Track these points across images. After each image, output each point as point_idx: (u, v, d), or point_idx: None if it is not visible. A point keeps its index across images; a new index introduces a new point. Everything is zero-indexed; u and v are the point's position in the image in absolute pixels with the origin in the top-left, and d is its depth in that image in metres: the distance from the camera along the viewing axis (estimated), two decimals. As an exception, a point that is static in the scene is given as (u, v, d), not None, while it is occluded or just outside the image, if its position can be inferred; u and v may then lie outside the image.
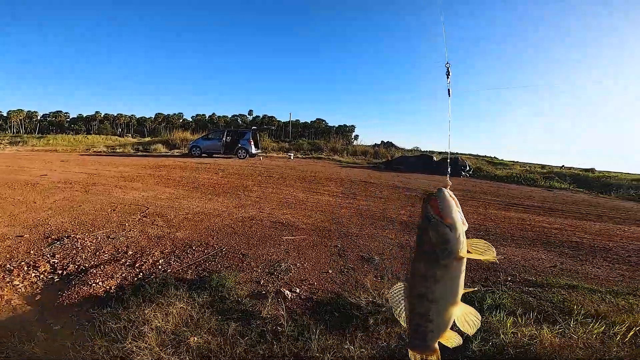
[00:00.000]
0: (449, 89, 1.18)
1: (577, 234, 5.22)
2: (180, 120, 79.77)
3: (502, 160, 29.74)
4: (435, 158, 16.92)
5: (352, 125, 79.40)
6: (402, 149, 29.21)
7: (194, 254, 3.61)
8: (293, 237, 4.36)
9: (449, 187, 0.97)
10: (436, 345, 0.99)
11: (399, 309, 0.99)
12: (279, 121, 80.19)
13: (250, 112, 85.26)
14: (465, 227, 0.89)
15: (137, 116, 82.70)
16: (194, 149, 18.25)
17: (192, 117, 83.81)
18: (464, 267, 0.89)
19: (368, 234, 4.62)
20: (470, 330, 0.95)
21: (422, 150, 30.75)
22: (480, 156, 31.47)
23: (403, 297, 0.98)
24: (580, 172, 18.53)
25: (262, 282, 3.01)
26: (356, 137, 76.49)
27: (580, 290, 2.93)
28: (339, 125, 78.28)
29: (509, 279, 3.27)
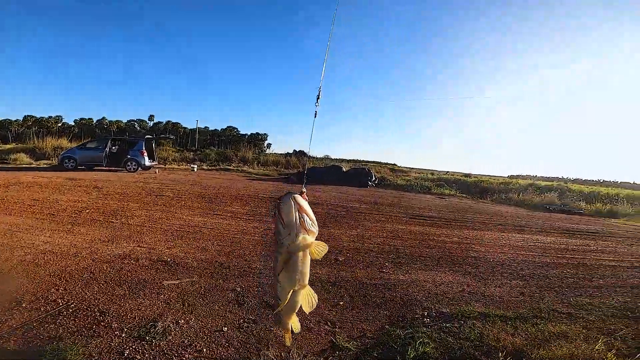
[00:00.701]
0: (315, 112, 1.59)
1: (474, 248, 5.44)
2: (59, 124, 66.76)
3: (400, 167, 32.42)
4: (344, 168, 17.23)
5: (265, 134, 78.16)
6: (314, 157, 29.47)
7: (23, 313, 2.47)
8: (178, 282, 3.39)
9: (303, 193, 1.30)
10: (289, 325, 1.50)
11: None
12: (184, 128, 74.08)
13: (151, 118, 76.68)
14: (315, 230, 1.22)
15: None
16: (66, 160, 14.71)
17: (74, 121, 70.97)
18: (302, 264, 1.25)
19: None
20: (306, 309, 1.39)
21: (333, 158, 31.57)
22: (382, 163, 33.80)
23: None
24: (461, 177, 21.01)
25: (127, 353, 2.13)
26: (269, 145, 75.40)
27: (492, 318, 2.88)
28: (252, 134, 76.23)
29: (425, 314, 3.03)
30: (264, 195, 10.16)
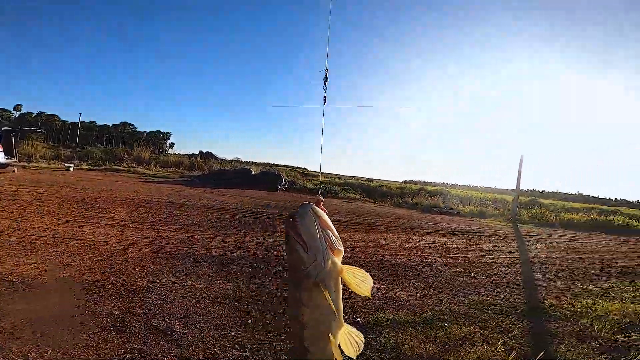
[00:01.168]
0: (324, 97, 1.15)
1: (379, 252, 5.62)
2: None
3: (310, 171, 33.11)
4: (253, 172, 16.57)
5: (168, 132, 70.91)
6: (223, 159, 27.87)
7: None
8: (26, 307, 2.53)
9: (320, 202, 0.93)
10: None
11: None
12: (64, 122, 62.07)
13: (17, 108, 62.02)
14: (341, 249, 0.82)
15: None
16: None
17: None
18: (334, 296, 0.81)
19: (166, 284, 3.35)
20: (352, 353, 0.90)
21: (243, 161, 30.39)
22: (294, 167, 34.03)
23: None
24: (365, 182, 22.44)
25: None
26: (171, 145, 68.78)
27: (404, 325, 2.91)
28: (152, 131, 68.27)
29: None
30: (160, 200, 8.93)
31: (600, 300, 3.80)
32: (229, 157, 30.34)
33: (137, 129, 68.77)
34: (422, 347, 2.48)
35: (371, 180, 25.38)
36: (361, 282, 0.88)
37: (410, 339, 2.60)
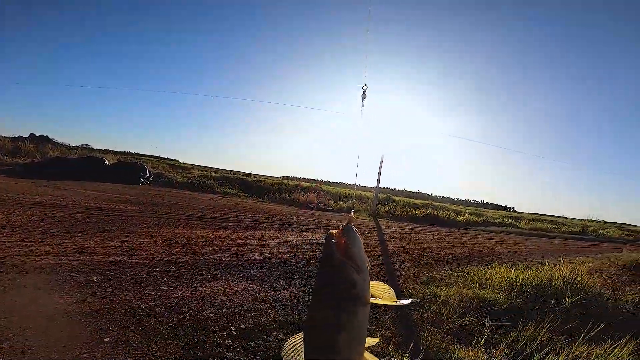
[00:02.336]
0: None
1: (257, 250, 5.46)
2: None
3: (182, 163, 30.20)
4: (107, 161, 13.86)
5: None
6: (65, 145, 22.50)
7: None
8: None
9: (353, 222, 0.87)
10: None
11: None
12: None
13: None
14: (368, 267, 0.81)
15: None
16: None
17: None
18: (366, 316, 0.79)
19: None
20: None
21: (95, 148, 25.10)
22: (162, 158, 30.31)
23: (300, 354, 0.79)
24: (243, 177, 21.90)
25: None
26: None
27: (291, 326, 2.90)
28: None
29: (225, 334, 2.65)
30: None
31: (442, 287, 4.60)
32: (75, 143, 24.66)
33: None
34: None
35: (249, 174, 24.88)
36: (386, 294, 0.88)
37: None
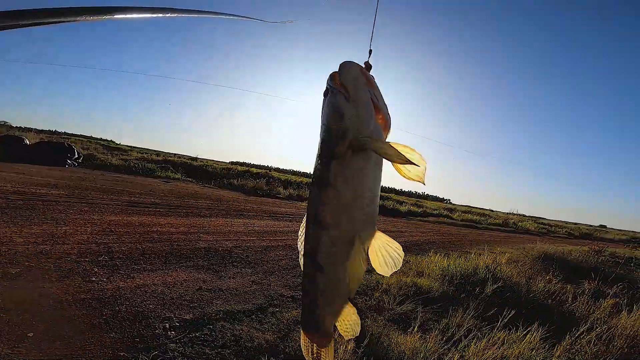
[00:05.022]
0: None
1: (202, 238, 5.32)
2: None
3: (119, 144, 27.78)
4: (27, 141, 12.23)
5: None
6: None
7: None
8: None
9: (368, 67, 0.67)
10: (330, 326, 0.70)
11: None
12: None
13: None
14: (388, 122, 0.60)
15: None
16: None
17: None
18: (374, 173, 0.58)
19: None
20: (386, 270, 0.66)
21: (14, 126, 21.89)
22: (95, 139, 27.53)
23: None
24: (188, 161, 20.88)
25: None
26: None
27: (238, 315, 2.88)
28: None
29: (167, 325, 2.56)
30: None
31: (382, 275, 4.88)
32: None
33: None
34: (260, 336, 2.53)
35: (195, 159, 23.69)
36: (409, 162, 0.58)
37: (248, 329, 2.62)
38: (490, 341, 2.97)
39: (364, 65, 0.68)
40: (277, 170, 36.77)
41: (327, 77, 0.65)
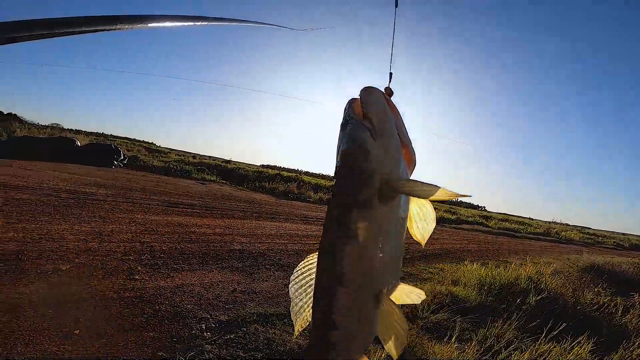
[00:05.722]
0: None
1: (237, 239, 5.39)
2: None
3: (159, 147, 29.28)
4: (79, 142, 13.16)
5: None
6: (34, 124, 21.30)
7: None
8: None
9: (389, 93, 0.58)
10: None
11: (298, 304, 0.54)
12: None
13: None
14: (413, 159, 0.53)
15: None
16: None
17: None
18: (402, 225, 0.49)
19: None
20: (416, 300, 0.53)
21: (65, 128, 23.82)
22: (138, 141, 29.21)
23: (309, 282, 0.53)
24: (222, 163, 21.52)
25: None
26: None
27: (271, 319, 2.89)
28: None
29: (204, 326, 2.60)
30: None
31: (417, 282, 4.73)
32: (45, 122, 23.41)
33: None
34: (293, 340, 2.51)
35: (228, 161, 24.42)
36: (425, 218, 0.54)
37: (280, 333, 2.63)
38: (535, 353, 2.77)
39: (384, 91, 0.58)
40: (307, 174, 37.00)
41: (345, 104, 0.56)
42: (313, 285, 0.56)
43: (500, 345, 2.84)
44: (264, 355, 2.26)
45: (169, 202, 7.66)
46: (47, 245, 3.63)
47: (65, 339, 2.11)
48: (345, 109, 0.54)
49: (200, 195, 9.76)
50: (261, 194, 14.30)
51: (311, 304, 0.55)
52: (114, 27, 0.49)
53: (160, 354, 2.14)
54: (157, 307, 2.74)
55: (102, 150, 13.29)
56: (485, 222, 22.18)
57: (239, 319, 2.77)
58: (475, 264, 5.66)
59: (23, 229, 3.99)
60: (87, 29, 0.46)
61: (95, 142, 15.34)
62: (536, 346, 2.89)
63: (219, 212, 7.68)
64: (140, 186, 9.42)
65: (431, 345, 2.85)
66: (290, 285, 0.59)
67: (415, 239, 0.54)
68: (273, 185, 16.57)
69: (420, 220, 0.53)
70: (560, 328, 3.05)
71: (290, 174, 23.96)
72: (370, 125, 0.51)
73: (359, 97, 0.53)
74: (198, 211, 7.27)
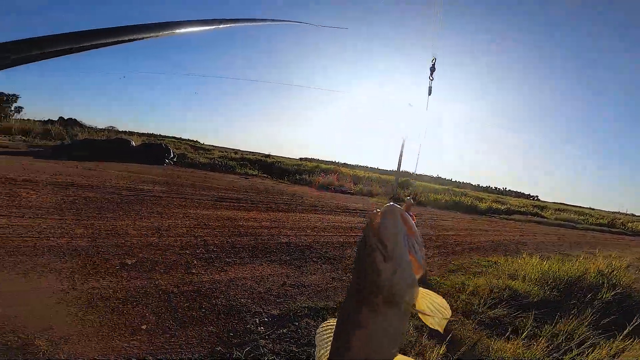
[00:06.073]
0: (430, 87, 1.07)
1: (283, 232, 5.48)
2: None
3: (203, 144, 30.66)
4: (134, 143, 14.10)
5: (14, 95, 53.59)
6: (92, 128, 23.24)
7: None
8: None
9: (410, 207, 0.46)
10: None
11: (321, 352, 0.61)
12: None
13: None
14: (422, 269, 0.58)
15: None
16: None
17: None
18: (400, 323, 0.55)
19: (5, 290, 2.50)
20: None
21: (120, 130, 25.70)
22: (184, 140, 30.83)
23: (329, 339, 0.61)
24: (262, 158, 22.01)
25: None
26: (18, 109, 53.25)
27: (321, 312, 2.90)
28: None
29: (257, 320, 2.65)
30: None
31: (470, 276, 4.48)
32: (101, 125, 25.42)
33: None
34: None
35: (268, 155, 24.97)
36: (437, 312, 0.62)
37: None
38: (613, 350, 2.50)
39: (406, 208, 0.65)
40: (345, 165, 36.75)
41: (367, 218, 0.61)
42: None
43: (573, 343, 2.58)
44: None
45: (217, 196, 7.97)
46: (114, 240, 3.91)
47: (133, 334, 2.23)
48: (365, 226, 0.61)
49: (244, 190, 10.05)
50: (301, 186, 14.45)
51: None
52: (141, 37, 0.49)
53: (218, 349, 2.20)
54: (214, 301, 2.83)
55: (155, 149, 14.14)
56: (540, 213, 20.63)
57: (290, 313, 2.79)
58: (535, 257, 5.25)
59: (91, 225, 4.34)
60: (113, 41, 0.46)
61: (148, 142, 16.39)
62: (614, 343, 2.60)
63: (264, 205, 7.86)
64: (190, 182, 9.90)
65: (492, 342, 2.67)
66: (318, 332, 0.67)
67: (434, 328, 0.59)
68: (312, 177, 16.67)
69: (435, 312, 0.60)
70: (635, 324, 2.72)
71: (329, 166, 23.93)
72: (384, 249, 0.57)
73: (379, 216, 0.59)
74: (244, 205, 7.48)
